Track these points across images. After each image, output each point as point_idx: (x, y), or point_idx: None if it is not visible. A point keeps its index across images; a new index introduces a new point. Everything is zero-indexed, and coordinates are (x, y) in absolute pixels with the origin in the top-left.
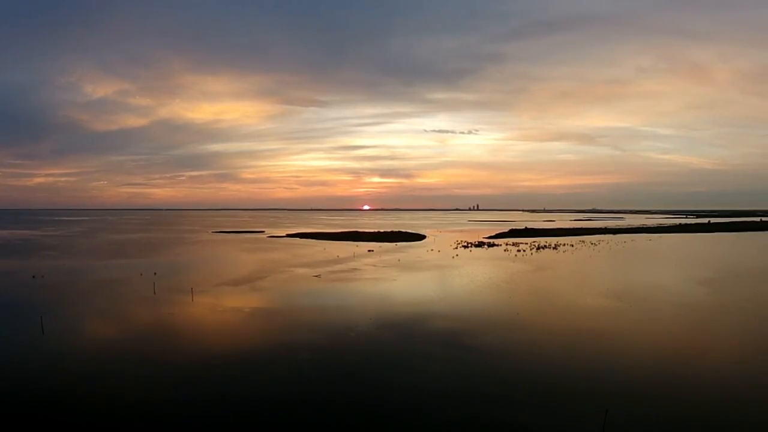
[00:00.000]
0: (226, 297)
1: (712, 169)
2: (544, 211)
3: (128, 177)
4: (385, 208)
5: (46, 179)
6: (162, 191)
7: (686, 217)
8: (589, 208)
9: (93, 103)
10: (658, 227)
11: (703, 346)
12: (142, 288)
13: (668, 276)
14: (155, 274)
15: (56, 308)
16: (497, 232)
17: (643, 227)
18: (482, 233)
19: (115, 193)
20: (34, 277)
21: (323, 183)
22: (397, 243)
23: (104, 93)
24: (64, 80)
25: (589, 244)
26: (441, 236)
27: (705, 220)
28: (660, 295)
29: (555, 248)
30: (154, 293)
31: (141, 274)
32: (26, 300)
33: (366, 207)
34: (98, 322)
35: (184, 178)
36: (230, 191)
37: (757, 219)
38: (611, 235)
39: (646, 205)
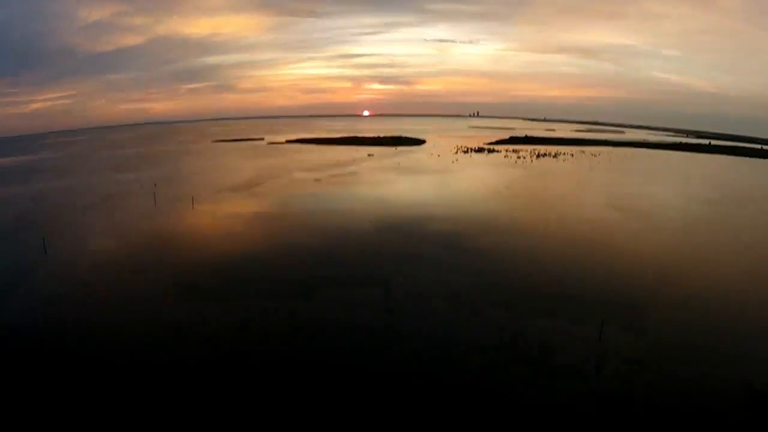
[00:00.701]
0: (226, 204)
1: (714, 92)
2: (545, 120)
3: (126, 94)
4: (386, 114)
5: (44, 104)
6: (161, 105)
7: (687, 137)
8: (590, 120)
9: (89, 27)
10: (658, 143)
11: (702, 266)
12: (143, 200)
13: (669, 192)
14: (155, 185)
15: (57, 229)
16: (497, 139)
17: (644, 142)
18: (482, 139)
19: (113, 111)
20: (33, 199)
21: (323, 90)
22: (397, 147)
23: (100, 16)
24: (58, 7)
25: (590, 155)
26: (441, 141)
27: (706, 141)
28: (661, 210)
29: (555, 156)
30: (155, 204)
31: (141, 186)
32: (27, 223)
33: (366, 113)
34: (99, 237)
35: (182, 90)
36: (229, 101)
37: (758, 146)
38: (612, 148)
39: (646, 121)
